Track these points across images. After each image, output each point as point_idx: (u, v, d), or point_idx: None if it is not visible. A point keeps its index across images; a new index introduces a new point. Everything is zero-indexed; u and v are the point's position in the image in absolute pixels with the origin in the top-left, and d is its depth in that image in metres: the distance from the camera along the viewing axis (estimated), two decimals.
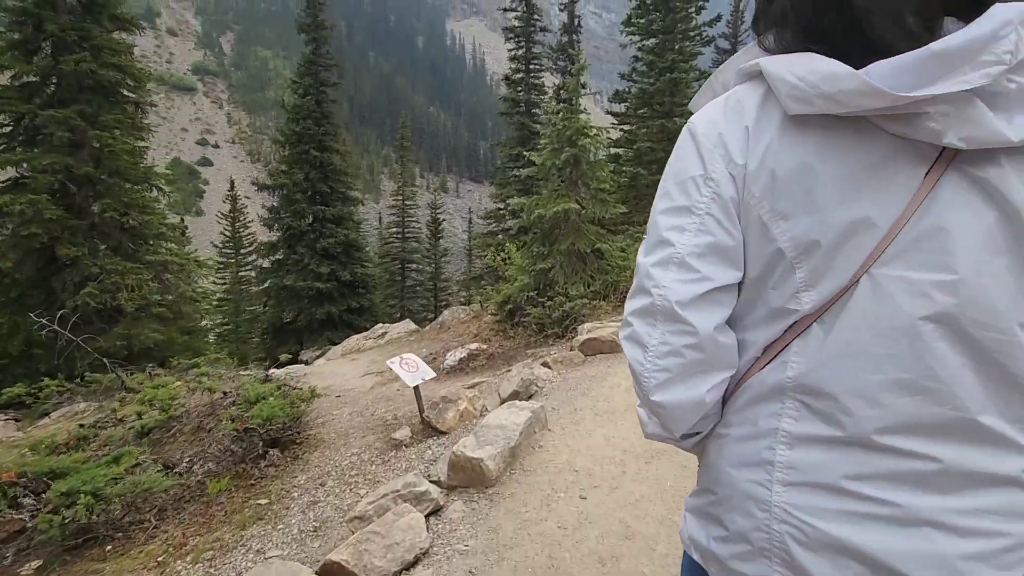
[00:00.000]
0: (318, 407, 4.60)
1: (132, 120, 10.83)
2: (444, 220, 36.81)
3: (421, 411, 3.98)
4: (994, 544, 0.64)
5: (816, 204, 0.67)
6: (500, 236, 18.55)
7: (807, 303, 0.70)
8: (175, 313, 10.74)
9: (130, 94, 11.16)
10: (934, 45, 0.59)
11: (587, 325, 5.40)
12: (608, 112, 15.92)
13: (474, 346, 5.69)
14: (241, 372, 6.43)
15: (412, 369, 3.73)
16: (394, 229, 26.20)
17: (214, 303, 32.48)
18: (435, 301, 27.76)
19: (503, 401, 4.10)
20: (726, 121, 0.74)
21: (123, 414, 4.46)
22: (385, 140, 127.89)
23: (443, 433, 3.83)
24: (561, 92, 21.08)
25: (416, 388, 3.88)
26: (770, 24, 0.76)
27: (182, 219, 31.86)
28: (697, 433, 0.85)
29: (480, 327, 6.83)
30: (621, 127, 14.06)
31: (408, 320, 10.61)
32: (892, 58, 0.61)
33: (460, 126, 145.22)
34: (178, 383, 5.21)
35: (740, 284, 0.77)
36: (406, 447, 3.73)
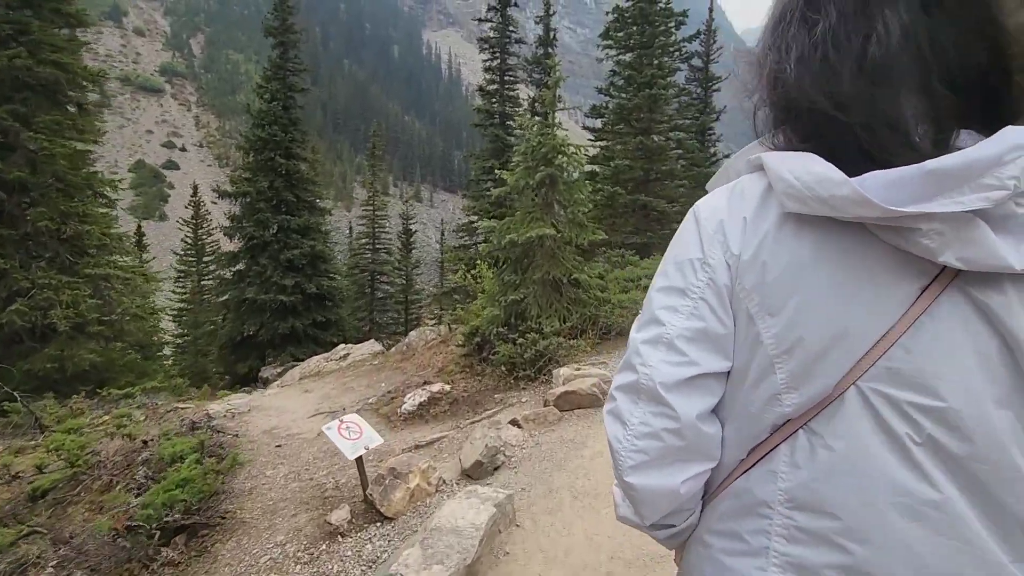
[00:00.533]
0: (252, 463, 3.97)
1: (74, 122, 10.01)
2: (417, 231, 36.08)
3: (364, 487, 3.36)
4: None
5: (805, 304, 0.66)
6: (472, 250, 18.06)
7: (788, 405, 0.68)
8: (116, 332, 9.91)
9: (73, 94, 10.33)
10: (930, 163, 0.57)
11: (564, 371, 4.82)
12: (585, 127, 15.62)
13: (436, 388, 5.07)
14: (179, 405, 5.76)
15: (354, 435, 3.08)
16: (364, 240, 25.45)
17: (172, 314, 31.24)
18: (406, 315, 27.06)
19: (464, 472, 3.56)
20: (728, 209, 0.74)
21: (20, 468, 3.79)
22: (359, 148, 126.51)
23: (388, 519, 3.20)
24: (536, 105, 20.84)
25: (359, 460, 3.20)
26: (772, 123, 0.75)
27: (139, 226, 30.54)
28: (671, 526, 0.82)
29: (446, 357, 6.21)
30: (598, 143, 13.79)
31: (373, 341, 10.00)
32: (889, 171, 0.60)
33: (435, 136, 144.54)
34: (100, 422, 4.55)
35: (728, 376, 0.75)
36: (342, 537, 3.08)
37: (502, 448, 3.75)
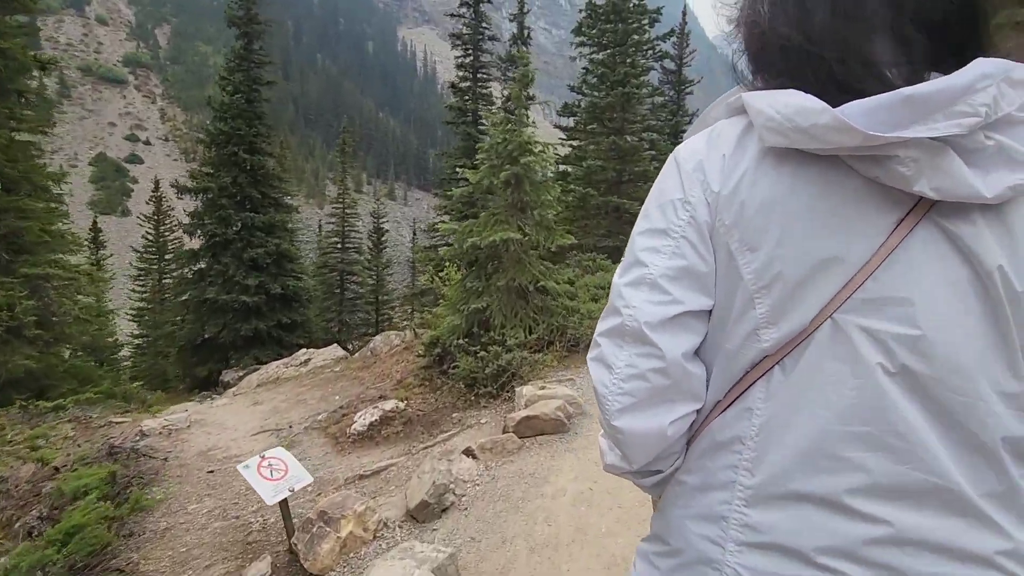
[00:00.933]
0: (174, 496, 3.55)
1: (11, 111, 9.32)
2: (389, 229, 35.35)
3: (289, 535, 2.91)
4: None
5: (782, 238, 0.67)
6: (442, 251, 17.68)
7: (767, 340, 0.69)
8: (57, 335, 9.27)
9: (16, 83, 9.63)
10: (907, 89, 0.59)
11: (527, 390, 4.30)
12: (556, 126, 15.34)
13: (389, 406, 4.62)
14: (116, 419, 5.29)
15: (278, 474, 2.60)
16: (334, 238, 24.81)
17: (132, 313, 30.07)
18: (377, 316, 26.49)
19: (409, 512, 3.16)
20: (707, 149, 0.75)
21: None
22: (331, 144, 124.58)
23: None
24: (508, 103, 20.51)
25: (283, 504, 2.71)
26: (754, 69, 0.77)
27: (95, 221, 29.27)
28: (658, 472, 0.82)
29: (407, 366, 5.76)
30: (570, 142, 13.43)
31: (336, 346, 9.57)
32: (868, 99, 0.61)
33: (409, 134, 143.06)
34: (22, 438, 4.09)
35: (711, 314, 0.75)
36: None
37: (452, 485, 3.31)
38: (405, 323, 11.76)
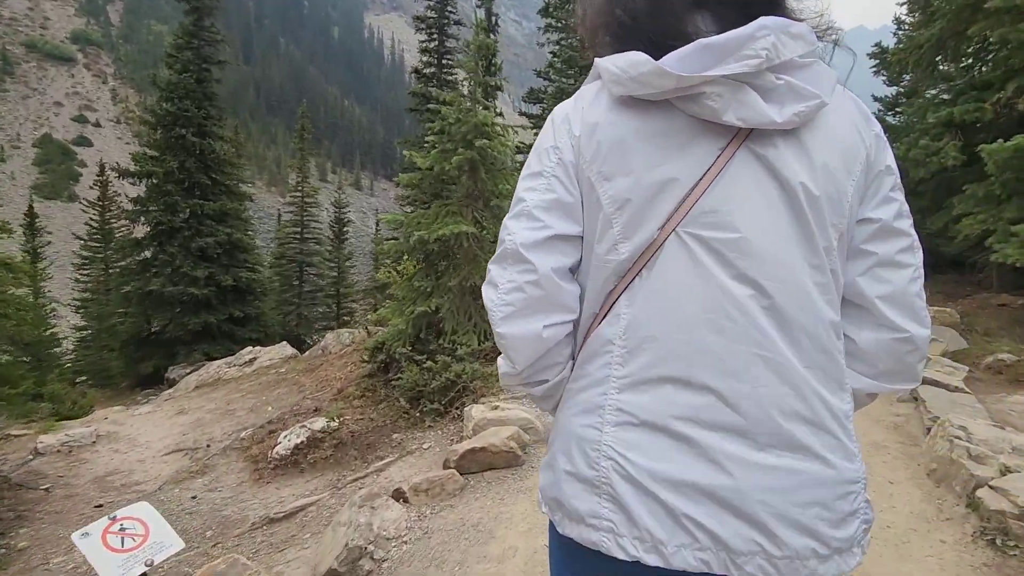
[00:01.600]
0: (43, 540, 2.95)
1: None
2: (354, 220, 34.22)
3: None
4: (789, 481, 0.76)
5: (629, 168, 0.82)
6: (386, 244, 17.06)
7: (624, 253, 0.83)
8: None
9: None
10: (703, 40, 0.76)
11: (477, 410, 3.65)
12: (523, 114, 14.77)
13: (319, 425, 4.02)
14: (15, 433, 4.61)
15: (133, 542, 1.84)
16: (293, 229, 23.81)
17: (76, 304, 28.41)
18: (337, 309, 25.63)
19: None
20: (572, 106, 0.92)
21: None
22: (294, 131, 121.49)
23: None
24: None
25: None
26: (599, 45, 0.93)
27: (31, 206, 27.42)
28: (544, 381, 0.94)
29: (353, 370, 5.26)
30: (535, 131, 12.76)
31: (284, 344, 8.93)
32: (678, 50, 0.77)
33: (376, 122, 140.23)
34: None
35: (581, 240, 0.90)
36: None
37: (371, 547, 2.59)
38: (361, 319, 10.98)
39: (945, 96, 8.08)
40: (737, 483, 0.75)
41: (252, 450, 4.00)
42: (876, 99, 13.12)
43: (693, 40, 0.77)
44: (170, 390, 8.56)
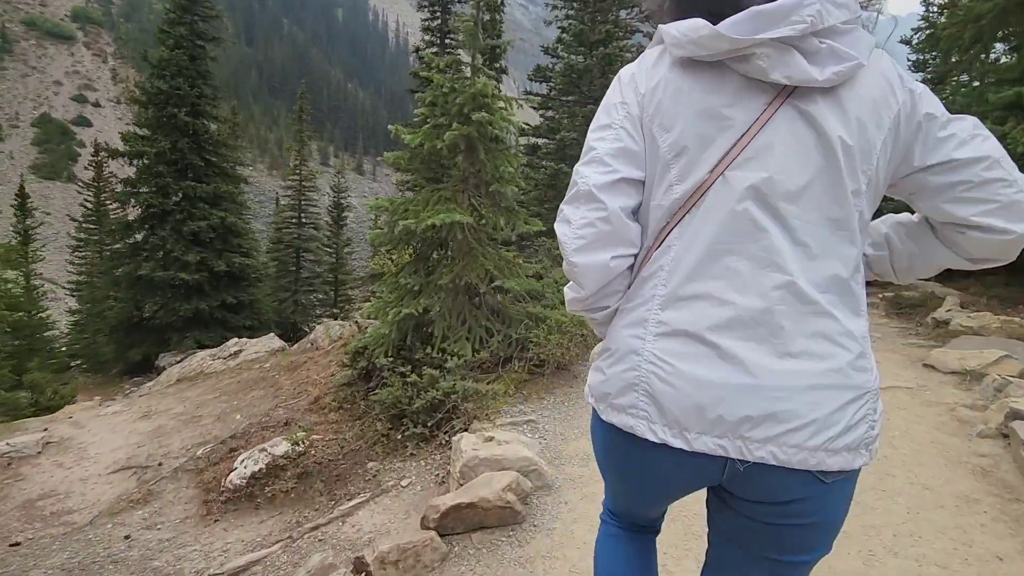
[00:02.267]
0: None
1: None
2: (354, 206, 33.52)
3: None
4: (804, 382, 0.90)
5: (687, 120, 0.97)
6: (369, 235, 16.52)
7: (677, 192, 0.99)
8: None
9: None
10: (755, 7, 0.89)
11: (467, 441, 2.93)
12: (527, 92, 14.11)
13: (282, 449, 3.37)
14: None
15: None
16: (290, 213, 23.24)
17: (70, 287, 28.00)
18: (335, 296, 25.14)
19: None
20: (637, 67, 1.06)
21: None
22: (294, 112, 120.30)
23: None
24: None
25: None
26: (662, 13, 1.07)
27: (22, 186, 26.93)
28: (605, 307, 1.10)
29: (335, 372, 4.64)
30: (542, 112, 11.96)
31: (272, 336, 8.45)
32: (733, 16, 0.90)
33: (380, 106, 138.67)
34: None
35: (644, 184, 1.05)
36: None
37: None
38: (358, 308, 10.34)
39: (992, 78, 7.12)
40: (758, 382, 0.90)
41: (206, 474, 3.42)
42: None
43: (747, 8, 0.91)
44: (150, 384, 8.10)
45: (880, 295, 7.09)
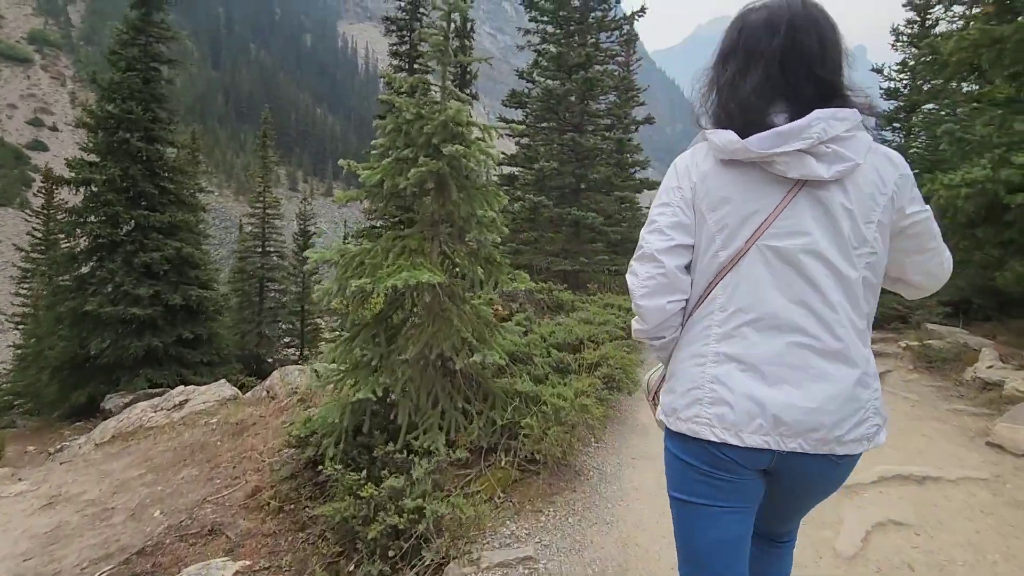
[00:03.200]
0: None
1: None
2: (324, 231, 32.60)
3: None
4: (824, 394, 1.26)
5: (728, 204, 1.33)
6: (314, 294, 15.83)
7: (722, 256, 1.34)
8: None
9: None
10: (777, 128, 1.24)
11: None
12: (501, 119, 13.61)
13: None
14: None
15: None
16: (253, 242, 22.31)
17: (16, 321, 26.30)
18: (301, 327, 24.15)
19: None
20: (691, 158, 1.42)
21: None
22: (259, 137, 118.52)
23: None
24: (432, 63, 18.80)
25: None
26: (710, 121, 1.42)
27: None
28: (662, 337, 1.46)
29: (284, 446, 3.56)
30: (518, 139, 11.37)
31: (223, 383, 7.64)
32: (759, 134, 1.25)
33: (349, 132, 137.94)
34: None
35: (693, 248, 1.40)
36: None
37: None
38: (319, 352, 9.37)
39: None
40: (788, 398, 1.26)
41: None
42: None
43: (769, 127, 1.26)
44: (81, 440, 7.20)
45: (902, 344, 6.39)
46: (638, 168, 17.95)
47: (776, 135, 1.23)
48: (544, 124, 9.88)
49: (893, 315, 6.76)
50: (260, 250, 22.12)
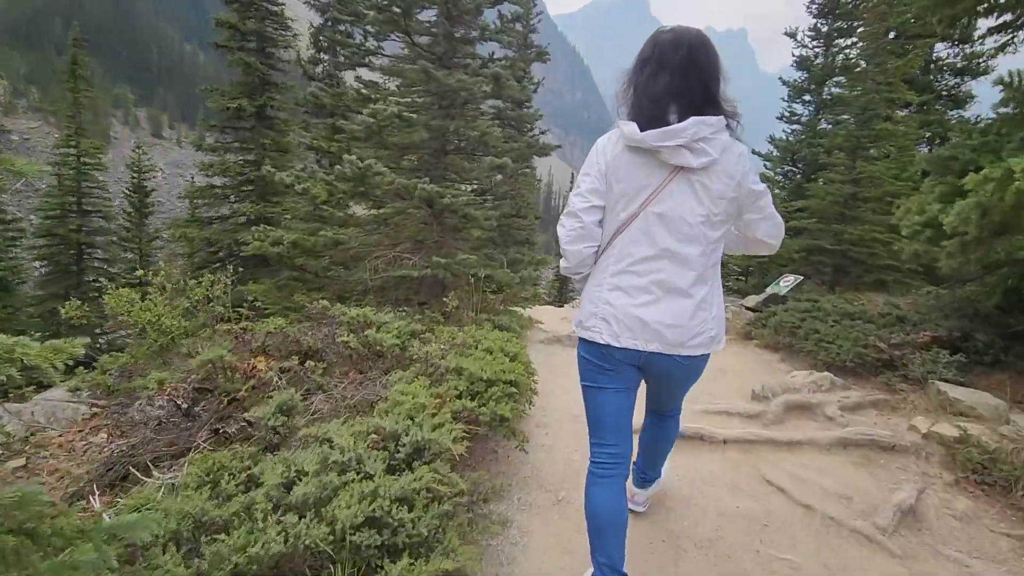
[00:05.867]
0: None
1: None
2: (166, 185, 27.64)
3: None
4: (674, 311, 1.86)
5: (627, 178, 1.86)
6: (209, 228, 12.81)
7: (623, 216, 1.88)
8: None
9: None
10: (666, 127, 1.77)
11: None
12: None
13: None
14: None
15: None
16: (66, 198, 17.84)
17: None
18: (142, 299, 20.08)
19: None
20: (606, 141, 1.94)
21: None
22: (118, 75, 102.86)
23: None
24: (321, 39, 15.59)
25: None
26: (624, 112, 1.93)
27: None
28: (580, 273, 2.04)
29: None
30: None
31: None
32: (655, 129, 1.77)
33: (224, 71, 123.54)
34: None
35: (604, 208, 1.94)
36: None
37: None
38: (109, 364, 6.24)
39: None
40: (650, 315, 1.85)
41: None
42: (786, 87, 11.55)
43: (667, 121, 1.78)
44: None
45: (921, 428, 3.56)
46: (536, 130, 15.96)
47: (663, 133, 1.76)
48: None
49: (874, 360, 4.64)
50: (76, 208, 17.77)
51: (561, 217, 1.98)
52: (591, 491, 2.00)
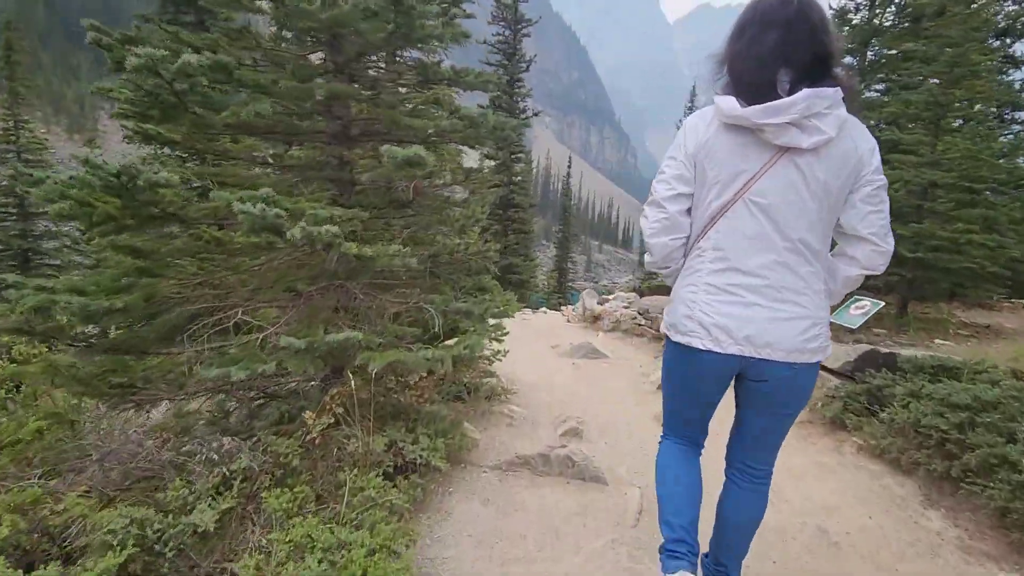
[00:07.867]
0: None
1: None
2: None
3: None
4: (784, 317, 1.69)
5: (724, 161, 1.69)
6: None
7: (715, 205, 1.73)
8: None
9: None
10: (770, 103, 1.57)
11: None
12: None
13: None
14: None
15: None
16: (4, 198, 15.95)
17: None
18: None
19: None
20: (697, 119, 1.77)
21: None
22: (103, 65, 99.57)
23: None
24: None
25: None
26: (719, 86, 1.74)
27: None
28: (668, 267, 1.91)
29: None
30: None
31: None
32: (758, 105, 1.59)
33: None
34: None
35: (692, 196, 1.80)
36: None
37: None
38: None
39: None
40: (759, 317, 1.69)
41: None
42: None
43: (775, 87, 1.59)
44: None
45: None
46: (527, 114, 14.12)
47: (768, 108, 1.57)
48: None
49: None
50: (18, 211, 15.92)
51: (644, 208, 1.93)
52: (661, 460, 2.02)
